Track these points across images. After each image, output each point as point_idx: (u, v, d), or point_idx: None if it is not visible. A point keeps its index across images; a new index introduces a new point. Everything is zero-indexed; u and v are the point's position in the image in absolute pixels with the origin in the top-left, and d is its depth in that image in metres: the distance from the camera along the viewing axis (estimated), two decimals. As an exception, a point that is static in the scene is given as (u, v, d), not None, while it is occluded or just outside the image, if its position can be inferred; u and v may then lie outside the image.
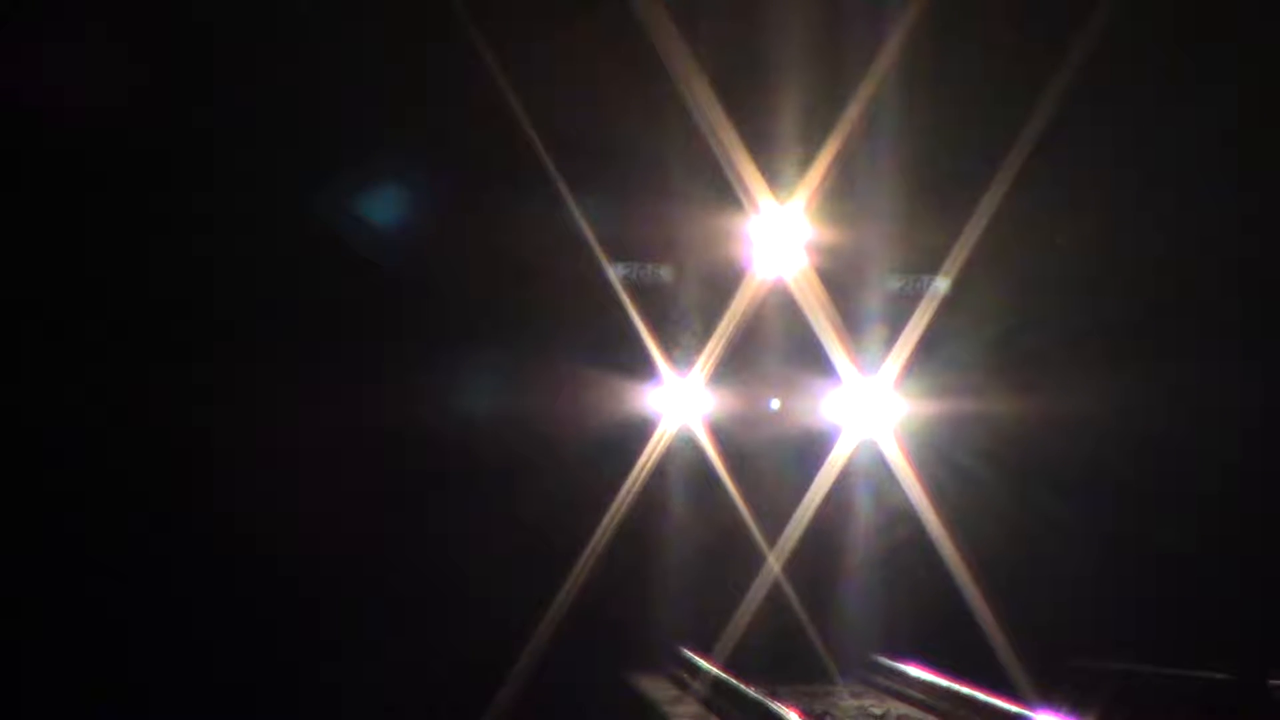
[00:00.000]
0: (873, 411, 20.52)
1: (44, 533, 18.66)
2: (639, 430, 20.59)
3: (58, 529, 18.75)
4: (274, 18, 18.90)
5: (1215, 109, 18.99)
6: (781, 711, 14.73)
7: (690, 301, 20.92)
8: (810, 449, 20.69)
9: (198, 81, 19.45)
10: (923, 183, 19.98)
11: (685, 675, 18.22)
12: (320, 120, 19.78)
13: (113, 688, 16.53)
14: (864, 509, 20.60)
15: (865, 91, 18.65)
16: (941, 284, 20.03)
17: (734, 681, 16.61)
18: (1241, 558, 18.98)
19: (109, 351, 19.45)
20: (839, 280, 20.32)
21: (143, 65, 19.05)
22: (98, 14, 18.74)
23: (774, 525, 19.73)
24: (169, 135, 19.68)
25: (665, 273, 20.94)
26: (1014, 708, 14.92)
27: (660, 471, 20.34)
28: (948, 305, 20.14)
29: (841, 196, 19.87)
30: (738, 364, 20.80)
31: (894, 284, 20.63)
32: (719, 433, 20.79)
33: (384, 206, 20.19)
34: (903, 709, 16.94)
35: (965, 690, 16.09)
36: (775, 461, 20.79)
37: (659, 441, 20.45)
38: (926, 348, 20.26)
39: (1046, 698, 14.98)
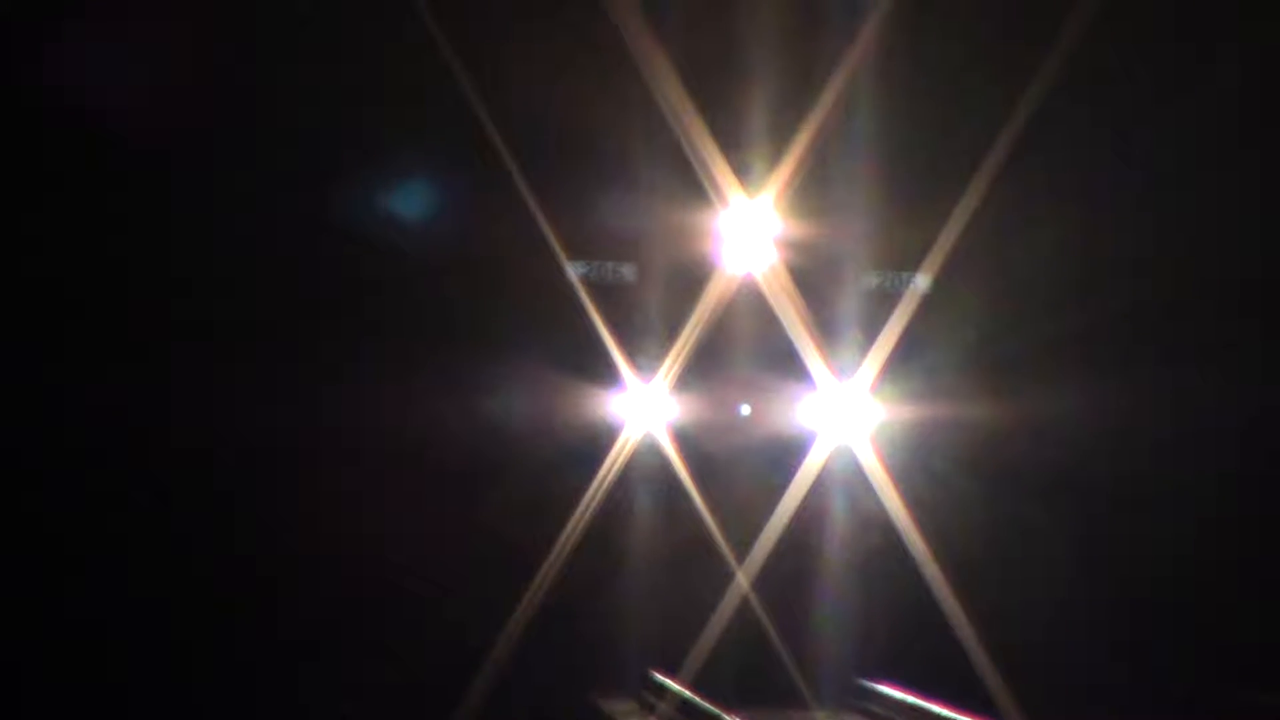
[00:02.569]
0: (848, 417, 19.94)
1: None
2: (600, 439, 20.06)
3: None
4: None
5: (1194, 110, 18.64)
6: None
7: (654, 301, 20.36)
8: (783, 456, 20.09)
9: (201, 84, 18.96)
10: (900, 175, 19.41)
11: (654, 699, 17.92)
12: (287, 121, 19.25)
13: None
14: (839, 519, 20.05)
15: (839, 79, 18.02)
16: (921, 281, 19.57)
17: (707, 704, 16.30)
18: (1220, 562, 18.49)
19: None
20: (812, 278, 19.72)
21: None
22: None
23: (745, 537, 19.21)
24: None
25: (628, 271, 20.41)
26: None
27: (623, 482, 19.81)
28: (927, 305, 19.65)
29: (814, 189, 19.22)
30: (706, 367, 20.23)
31: (871, 282, 20.11)
32: (686, 440, 20.27)
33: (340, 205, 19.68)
34: None
35: (952, 715, 15.82)
36: (746, 470, 20.24)
37: (621, 450, 19.93)
38: (905, 350, 19.74)
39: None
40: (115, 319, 19.62)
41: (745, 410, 20.66)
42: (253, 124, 19.33)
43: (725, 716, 15.63)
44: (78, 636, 17.89)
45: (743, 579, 18.77)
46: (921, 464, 19.77)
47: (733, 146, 18.52)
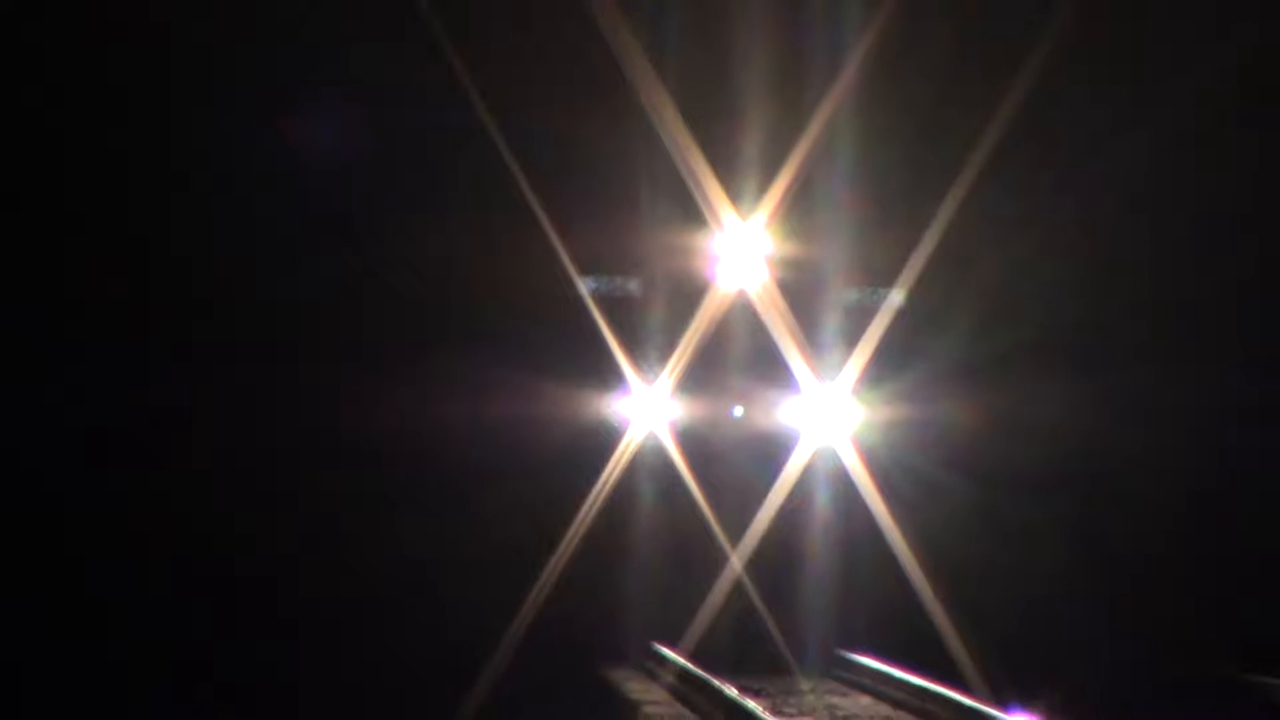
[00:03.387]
0: (830, 417, 20.57)
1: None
2: (608, 437, 20.68)
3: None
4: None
5: (1162, 122, 19.05)
6: (744, 702, 14.88)
7: (657, 313, 20.98)
8: (772, 453, 20.78)
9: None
10: (877, 201, 20.02)
11: (655, 668, 18.32)
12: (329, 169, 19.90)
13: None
14: (823, 509, 20.61)
15: (821, 119, 18.74)
16: (896, 296, 20.15)
17: (703, 674, 16.71)
18: (1191, 555, 19.27)
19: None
20: (798, 293, 20.38)
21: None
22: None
23: (738, 526, 19.81)
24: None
25: (634, 286, 21.07)
26: (967, 700, 15.03)
27: (629, 476, 20.42)
28: (901, 317, 20.25)
29: (800, 214, 19.88)
30: (703, 373, 20.87)
31: (851, 296, 20.73)
32: (684, 439, 20.91)
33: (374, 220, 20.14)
34: (867, 702, 17.07)
35: (923, 683, 16.21)
36: (738, 466, 20.85)
37: (627, 448, 20.53)
38: (881, 357, 20.38)
39: (1002, 693, 15.14)
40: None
41: (739, 411, 21.35)
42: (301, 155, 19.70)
43: (721, 686, 15.92)
44: (176, 600, 18.43)
45: (736, 562, 19.44)
46: (896, 460, 20.36)
47: (727, 175, 19.20)
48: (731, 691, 15.55)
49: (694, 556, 19.96)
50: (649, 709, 16.35)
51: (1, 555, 18.69)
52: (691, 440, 20.99)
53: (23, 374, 19.49)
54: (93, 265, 20.06)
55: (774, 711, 15.20)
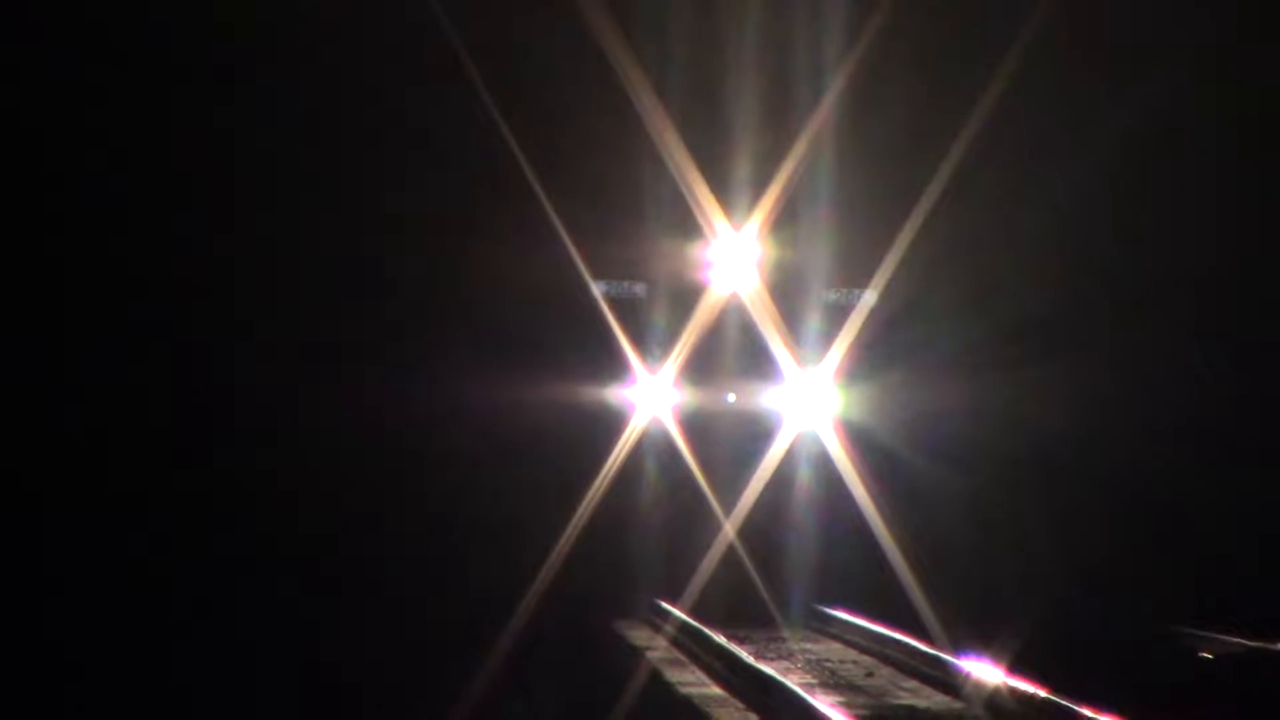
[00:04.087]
0: (812, 403, 21.48)
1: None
2: (618, 419, 21.59)
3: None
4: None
5: (1123, 123, 19.71)
6: (736, 650, 15.73)
7: (660, 312, 21.93)
8: (760, 434, 21.73)
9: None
10: (853, 214, 21.11)
11: (659, 621, 19.00)
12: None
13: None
14: (805, 483, 21.54)
15: (805, 138, 19.76)
16: (869, 297, 21.06)
17: (700, 626, 17.54)
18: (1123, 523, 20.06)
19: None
20: (784, 294, 21.45)
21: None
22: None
23: (730, 498, 20.64)
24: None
25: (640, 289, 21.98)
26: (927, 649, 15.91)
27: (635, 454, 21.30)
28: (873, 315, 21.20)
29: (786, 225, 21.03)
30: (700, 364, 21.88)
31: (830, 296, 21.67)
32: (684, 422, 21.84)
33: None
34: (837, 648, 17.85)
35: (886, 632, 17.12)
36: (731, 445, 21.77)
37: (634, 428, 21.43)
38: (856, 350, 21.32)
39: (959, 641, 15.66)
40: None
41: (732, 398, 22.22)
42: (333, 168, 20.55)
43: (714, 635, 16.73)
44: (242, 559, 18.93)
45: (729, 528, 20.25)
46: (871, 441, 21.27)
47: (722, 192, 20.35)
48: (722, 639, 16.39)
49: (692, 524, 20.77)
50: (651, 654, 17.07)
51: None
52: (690, 423, 21.90)
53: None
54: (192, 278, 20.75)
55: (757, 656, 15.89)
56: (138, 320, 20.95)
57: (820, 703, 13.27)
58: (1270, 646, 16.49)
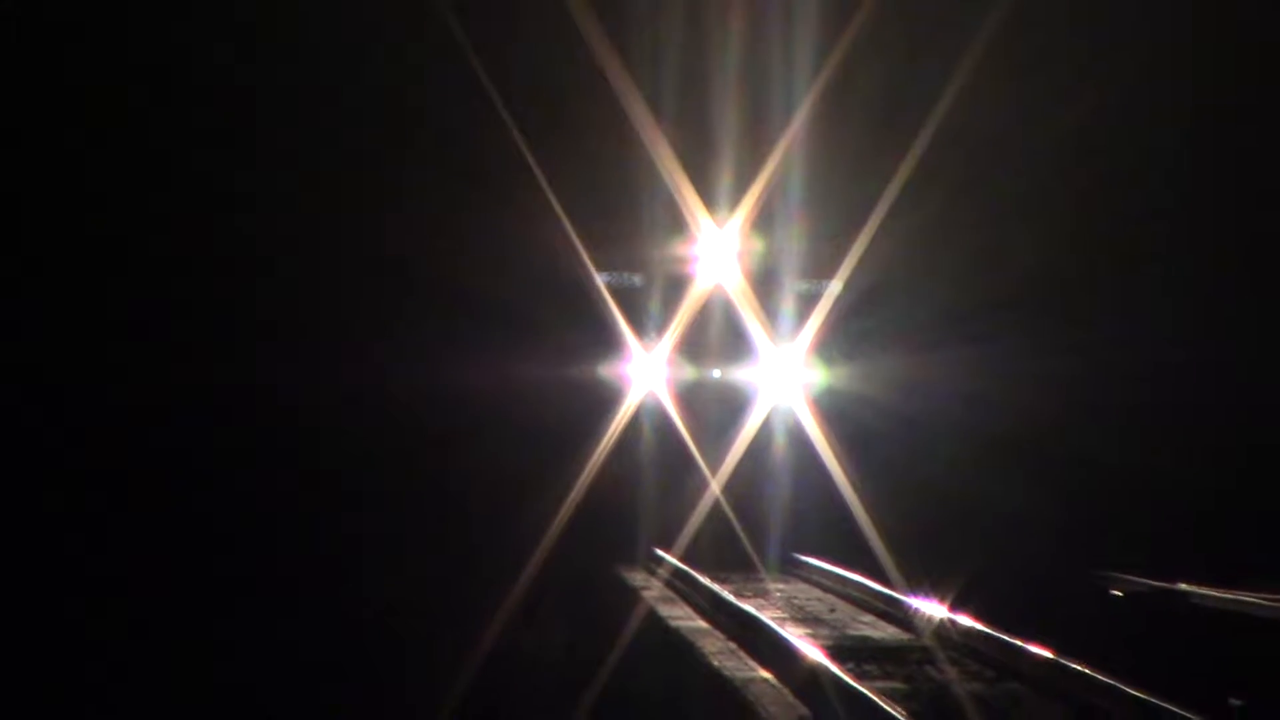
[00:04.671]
0: (786, 377, 22.08)
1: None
2: (618, 392, 22.04)
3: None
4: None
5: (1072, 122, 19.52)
6: (719, 590, 16.51)
7: (655, 300, 22.44)
8: (741, 405, 22.28)
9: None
10: (821, 215, 21.44)
11: (654, 566, 19.48)
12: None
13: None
14: (780, 447, 22.12)
15: (780, 150, 19.98)
16: (835, 286, 21.50)
17: (690, 570, 18.14)
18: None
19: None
20: (761, 284, 21.94)
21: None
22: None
23: (716, 460, 21.01)
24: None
25: (638, 279, 22.56)
26: (882, 588, 16.53)
27: (634, 422, 21.77)
28: (838, 302, 21.61)
29: (762, 225, 21.36)
30: (689, 344, 22.43)
31: (800, 286, 22.21)
32: (676, 394, 22.34)
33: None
34: (809, 587, 18.63)
35: (854, 576, 17.77)
36: (717, 414, 22.31)
37: (632, 400, 21.95)
38: (823, 333, 21.89)
39: (910, 583, 16.08)
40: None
41: (717, 373, 22.91)
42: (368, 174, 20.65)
43: (702, 577, 17.29)
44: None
45: (715, 487, 20.60)
46: (837, 410, 21.79)
47: (707, 197, 20.65)
48: (707, 581, 17.18)
49: (684, 483, 21.03)
50: (647, 593, 17.70)
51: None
52: (681, 395, 22.38)
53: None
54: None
55: (737, 595, 16.45)
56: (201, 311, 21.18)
57: (788, 633, 14.03)
58: (1170, 586, 17.18)
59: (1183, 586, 17.08)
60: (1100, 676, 11.55)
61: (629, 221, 21.82)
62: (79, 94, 19.91)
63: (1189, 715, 10.39)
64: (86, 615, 14.76)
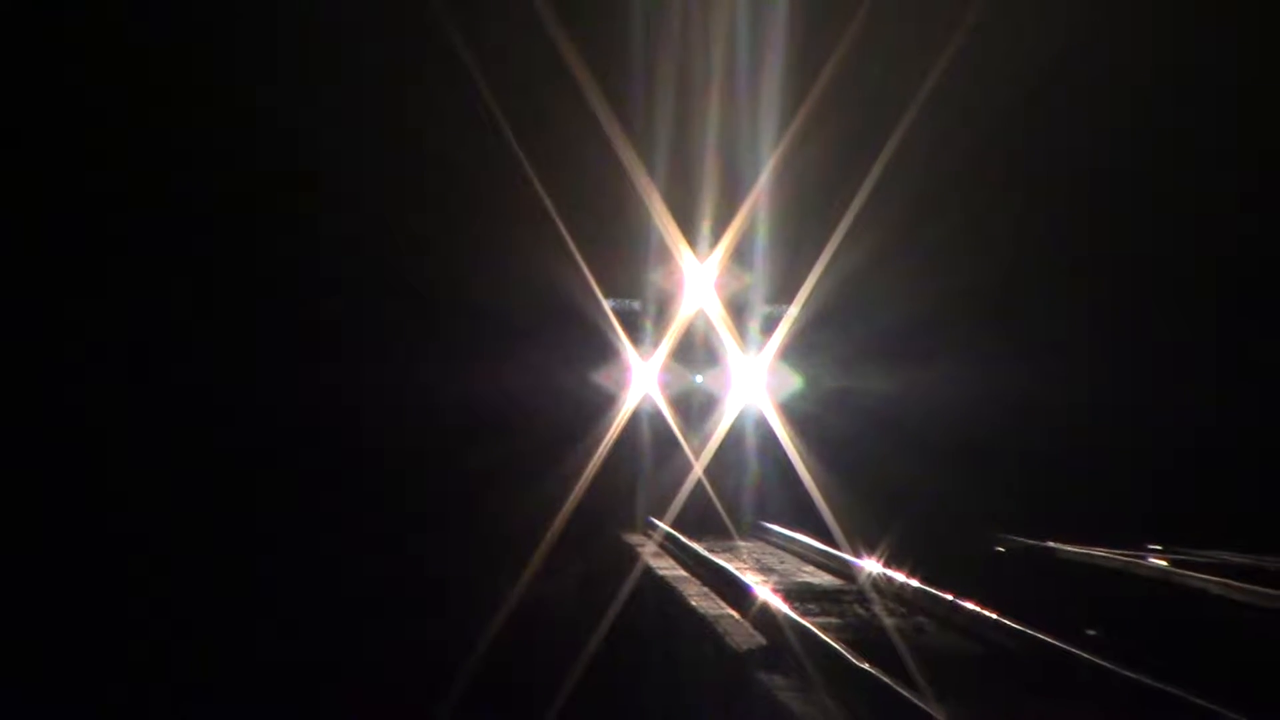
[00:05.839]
0: (754, 383, 22.66)
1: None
2: (620, 396, 22.39)
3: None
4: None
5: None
6: (698, 548, 17.26)
7: (650, 320, 22.93)
8: (719, 404, 22.79)
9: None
10: (784, 251, 22.21)
11: (650, 531, 20.17)
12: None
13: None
14: (749, 438, 22.57)
15: (749, 201, 21.07)
16: (793, 310, 22.18)
17: (678, 534, 18.84)
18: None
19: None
20: (734, 307, 22.49)
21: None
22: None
23: (698, 448, 21.57)
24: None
25: (637, 304, 23.08)
26: (827, 547, 17.22)
27: (633, 418, 22.16)
28: (795, 322, 22.21)
29: (735, 261, 22.02)
30: (678, 356, 22.81)
31: (766, 309, 22.84)
32: (667, 396, 22.71)
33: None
34: (769, 548, 19.29)
35: (801, 538, 18.64)
36: (699, 412, 22.86)
37: (632, 402, 22.39)
38: (786, 347, 22.45)
39: (851, 544, 16.47)
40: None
41: (699, 379, 23.37)
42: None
43: (687, 540, 17.98)
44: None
45: (698, 469, 21.10)
46: (798, 408, 22.46)
47: (691, 238, 21.60)
48: (688, 541, 18.08)
49: (673, 467, 21.46)
50: (642, 550, 18.25)
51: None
52: (671, 397, 22.71)
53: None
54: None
55: (710, 551, 17.23)
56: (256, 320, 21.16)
57: (745, 577, 14.84)
58: (1041, 544, 18.18)
59: (1050, 544, 17.98)
60: (984, 611, 12.36)
61: (630, 259, 22.66)
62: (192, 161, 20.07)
63: (1042, 636, 11.10)
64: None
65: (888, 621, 12.86)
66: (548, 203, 20.03)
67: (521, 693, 10.90)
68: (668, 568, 16.64)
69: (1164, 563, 15.89)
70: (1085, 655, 10.51)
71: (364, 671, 12.17)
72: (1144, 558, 16.41)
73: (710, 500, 20.71)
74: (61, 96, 18.92)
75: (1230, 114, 20.11)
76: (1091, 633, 11.60)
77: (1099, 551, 16.91)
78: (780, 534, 19.81)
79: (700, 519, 20.24)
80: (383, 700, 11.32)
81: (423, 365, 21.43)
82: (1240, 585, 14.05)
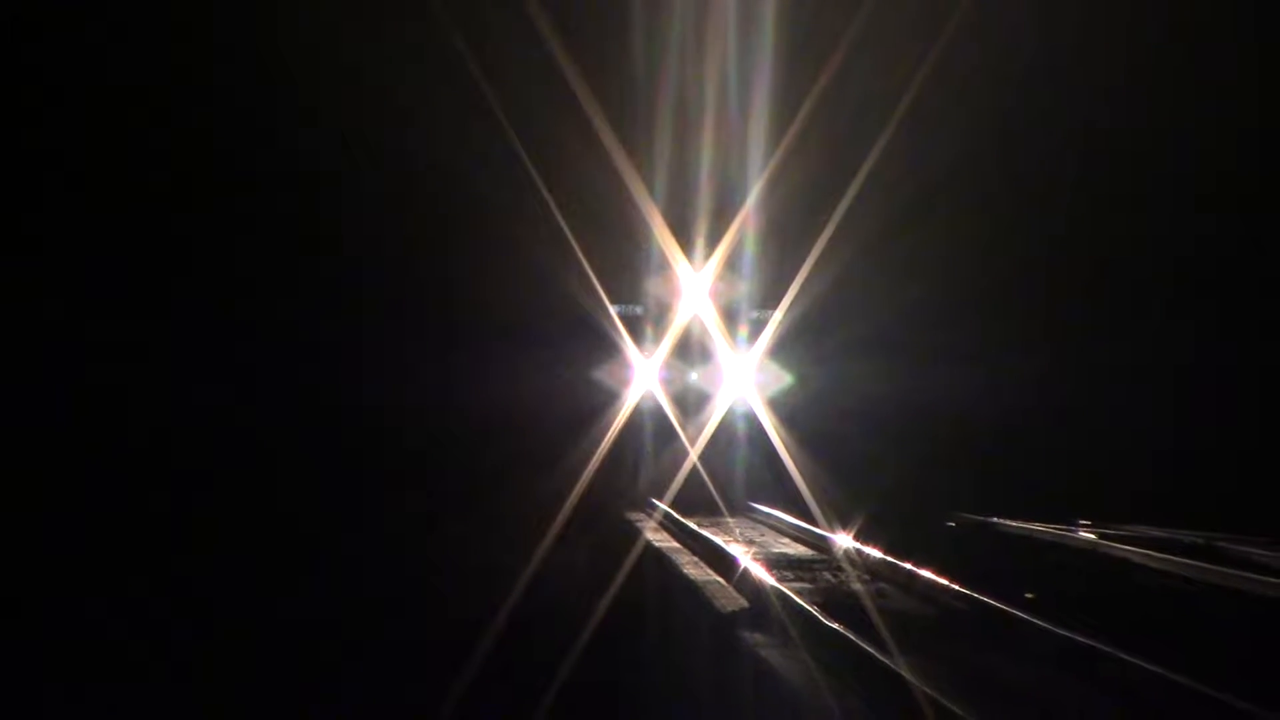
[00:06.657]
0: (743, 379, 22.84)
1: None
2: (624, 392, 22.63)
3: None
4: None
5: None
6: (692, 524, 17.28)
7: (651, 324, 23.12)
8: (713, 398, 22.96)
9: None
10: (770, 261, 22.38)
11: (650, 511, 20.19)
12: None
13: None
14: (739, 428, 22.74)
15: (739, 217, 21.23)
16: (778, 314, 22.37)
17: (674, 513, 18.93)
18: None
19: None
20: (726, 313, 22.72)
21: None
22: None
23: (694, 438, 21.85)
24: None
25: (639, 309, 23.26)
26: (801, 523, 17.36)
27: (636, 412, 22.44)
28: (780, 326, 22.38)
29: (727, 270, 22.24)
30: (676, 356, 23.06)
31: (753, 314, 23.00)
32: (666, 392, 22.93)
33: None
34: (754, 524, 19.26)
35: (785, 517, 18.67)
36: (695, 405, 23.04)
37: (635, 397, 22.63)
38: (771, 348, 22.63)
39: (829, 523, 16.54)
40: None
41: (694, 376, 23.54)
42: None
43: (682, 517, 17.84)
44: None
45: (693, 456, 21.35)
46: (783, 402, 22.54)
47: (689, 249, 21.81)
48: (682, 517, 18.17)
49: (671, 454, 21.82)
50: (643, 526, 18.35)
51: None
52: (669, 393, 22.94)
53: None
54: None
55: (700, 526, 17.25)
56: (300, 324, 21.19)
57: (731, 549, 14.82)
58: (988, 520, 18.42)
59: (995, 519, 18.27)
60: (938, 579, 12.72)
61: (633, 270, 22.99)
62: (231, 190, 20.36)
63: (990, 600, 11.55)
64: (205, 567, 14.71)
65: (855, 587, 13.07)
66: (563, 226, 20.31)
67: (542, 642, 11.11)
68: (663, 540, 16.84)
69: (1092, 535, 16.37)
70: (1021, 614, 11.03)
71: (434, 602, 12.96)
72: (1075, 531, 16.88)
73: (704, 483, 20.76)
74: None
75: (1189, 119, 19.76)
76: (1029, 595, 11.79)
77: (1037, 526, 17.27)
78: (765, 512, 20.06)
79: (694, 500, 20.33)
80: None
81: (454, 376, 21.63)
82: (1157, 554, 14.47)
